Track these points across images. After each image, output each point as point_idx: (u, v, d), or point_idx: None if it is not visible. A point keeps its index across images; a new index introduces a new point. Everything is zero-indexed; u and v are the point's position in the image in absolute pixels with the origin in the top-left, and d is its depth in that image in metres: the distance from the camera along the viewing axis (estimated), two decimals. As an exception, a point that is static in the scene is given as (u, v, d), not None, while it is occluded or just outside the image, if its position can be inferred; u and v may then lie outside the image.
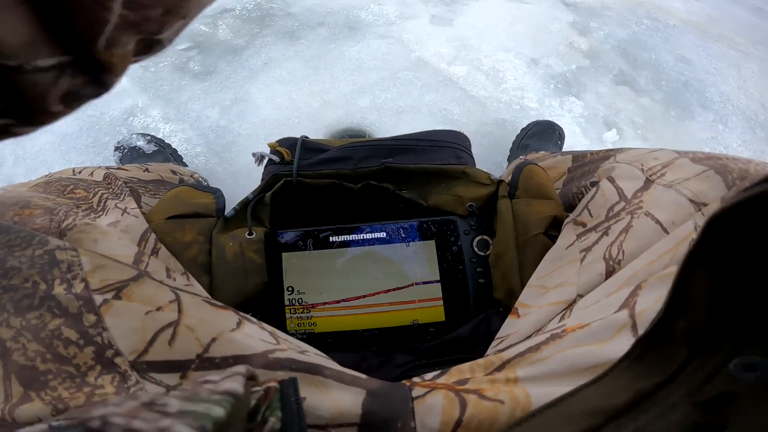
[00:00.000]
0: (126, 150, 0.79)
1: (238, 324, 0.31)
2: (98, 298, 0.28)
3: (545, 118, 0.91)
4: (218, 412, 0.17)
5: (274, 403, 0.23)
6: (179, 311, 0.30)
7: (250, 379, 0.24)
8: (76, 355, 0.27)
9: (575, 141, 0.91)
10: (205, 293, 0.35)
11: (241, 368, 0.24)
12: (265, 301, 0.43)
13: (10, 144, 0.92)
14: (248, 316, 0.33)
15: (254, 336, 0.30)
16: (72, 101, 0.14)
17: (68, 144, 0.91)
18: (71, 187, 0.40)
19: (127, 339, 0.27)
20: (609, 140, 0.92)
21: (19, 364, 0.26)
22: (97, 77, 0.14)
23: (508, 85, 0.99)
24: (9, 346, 0.26)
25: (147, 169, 0.57)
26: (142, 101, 0.95)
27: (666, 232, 0.33)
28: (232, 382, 0.21)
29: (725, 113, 1.00)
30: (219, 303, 0.33)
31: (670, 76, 1.05)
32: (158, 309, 0.29)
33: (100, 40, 0.13)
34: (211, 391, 0.19)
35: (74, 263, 0.29)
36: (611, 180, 0.40)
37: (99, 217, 0.37)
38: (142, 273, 0.31)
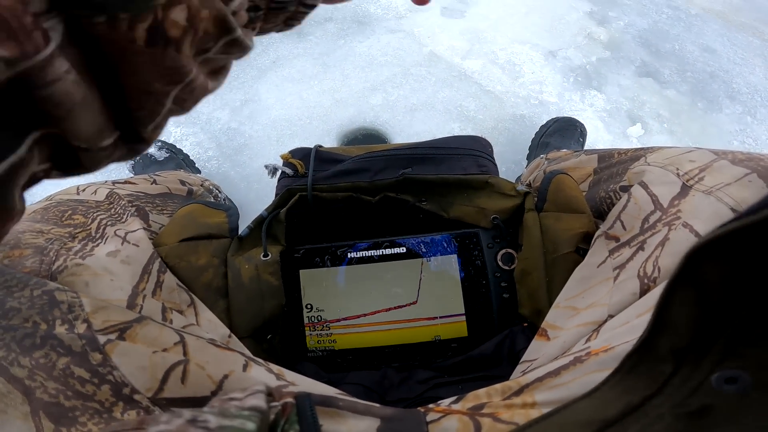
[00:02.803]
0: (137, 157, 0.78)
1: (245, 366, 0.31)
2: (102, 338, 0.28)
3: (565, 113, 0.88)
4: (251, 426, 0.19)
5: (291, 417, 0.24)
6: (185, 353, 0.30)
7: (268, 395, 0.26)
8: (95, 393, 0.27)
9: (598, 137, 0.88)
10: (207, 335, 0.34)
11: (260, 386, 0.25)
12: (284, 320, 0.42)
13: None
14: (255, 358, 0.33)
15: (263, 377, 0.31)
16: (112, 162, 0.18)
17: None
18: (69, 213, 0.39)
19: (138, 377, 0.27)
20: (634, 135, 0.89)
21: (43, 401, 0.26)
22: (135, 147, 0.18)
23: (526, 79, 0.96)
24: (28, 384, 0.26)
25: (155, 181, 0.56)
26: (151, 105, 0.94)
27: None
28: (256, 399, 0.23)
29: (753, 105, 0.96)
30: (224, 345, 0.33)
31: (695, 67, 1.01)
32: (164, 350, 0.29)
33: (151, 125, 0.17)
34: (239, 407, 0.21)
35: (75, 304, 0.29)
36: (644, 186, 0.37)
37: (97, 245, 0.36)
38: (144, 315, 0.31)
